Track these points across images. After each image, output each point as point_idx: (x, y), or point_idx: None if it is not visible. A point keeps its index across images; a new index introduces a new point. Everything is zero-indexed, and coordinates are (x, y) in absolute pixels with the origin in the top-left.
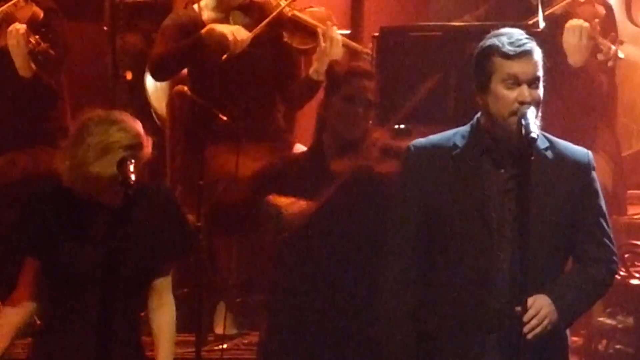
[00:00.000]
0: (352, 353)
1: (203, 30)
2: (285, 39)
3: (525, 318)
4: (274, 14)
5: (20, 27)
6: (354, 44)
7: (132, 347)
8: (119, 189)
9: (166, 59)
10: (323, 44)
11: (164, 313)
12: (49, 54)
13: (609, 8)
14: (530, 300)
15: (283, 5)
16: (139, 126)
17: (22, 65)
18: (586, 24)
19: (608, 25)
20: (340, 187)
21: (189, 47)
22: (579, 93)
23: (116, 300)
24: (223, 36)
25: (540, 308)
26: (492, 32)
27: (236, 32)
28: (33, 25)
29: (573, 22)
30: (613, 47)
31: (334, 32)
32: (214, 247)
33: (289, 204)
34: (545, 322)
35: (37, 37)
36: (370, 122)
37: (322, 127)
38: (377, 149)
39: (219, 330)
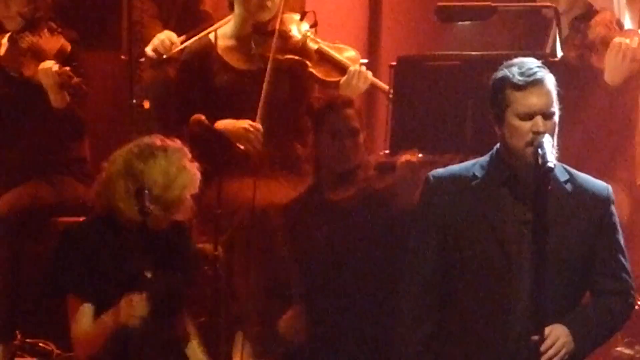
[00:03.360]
0: None
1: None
2: (310, 69)
3: (543, 348)
4: (272, 56)
5: (52, 65)
6: (380, 84)
7: None
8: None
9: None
10: (351, 77)
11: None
12: (81, 88)
13: None
14: (547, 330)
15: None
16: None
17: (56, 97)
18: (632, 44)
19: None
20: (343, 213)
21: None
22: (605, 123)
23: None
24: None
25: (557, 338)
26: (505, 63)
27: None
28: (61, 58)
29: (618, 40)
30: None
31: (363, 69)
32: (232, 276)
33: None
34: (562, 353)
35: (68, 69)
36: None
37: (317, 163)
38: (372, 168)
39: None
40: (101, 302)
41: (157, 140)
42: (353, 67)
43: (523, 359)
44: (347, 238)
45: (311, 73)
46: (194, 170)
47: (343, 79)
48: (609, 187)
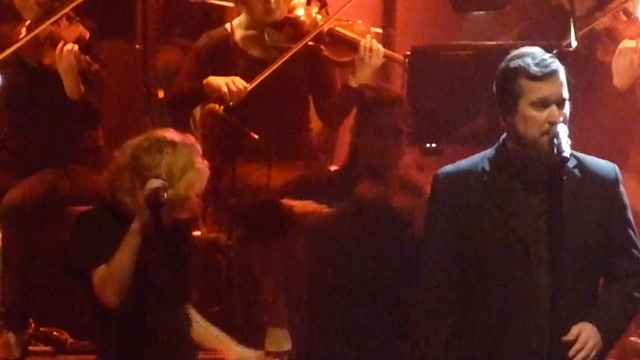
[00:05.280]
0: None
1: (204, 80)
2: (324, 53)
3: (572, 352)
4: (294, 48)
5: (72, 46)
6: (394, 54)
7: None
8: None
9: (176, 100)
10: (364, 54)
11: (199, 323)
12: (101, 76)
13: None
14: (575, 330)
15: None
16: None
17: (72, 86)
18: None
19: None
20: (356, 205)
21: (193, 94)
22: (616, 111)
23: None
24: (218, 89)
25: (587, 339)
26: (514, 53)
27: (231, 84)
28: (80, 46)
29: (627, 44)
30: None
31: (374, 43)
32: (250, 266)
33: (301, 207)
34: (593, 355)
35: (87, 57)
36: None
37: (354, 150)
38: (397, 179)
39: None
40: None
41: (167, 134)
42: (363, 42)
43: (545, 352)
44: (355, 228)
45: (326, 57)
46: (202, 168)
47: (356, 58)
48: (616, 167)
